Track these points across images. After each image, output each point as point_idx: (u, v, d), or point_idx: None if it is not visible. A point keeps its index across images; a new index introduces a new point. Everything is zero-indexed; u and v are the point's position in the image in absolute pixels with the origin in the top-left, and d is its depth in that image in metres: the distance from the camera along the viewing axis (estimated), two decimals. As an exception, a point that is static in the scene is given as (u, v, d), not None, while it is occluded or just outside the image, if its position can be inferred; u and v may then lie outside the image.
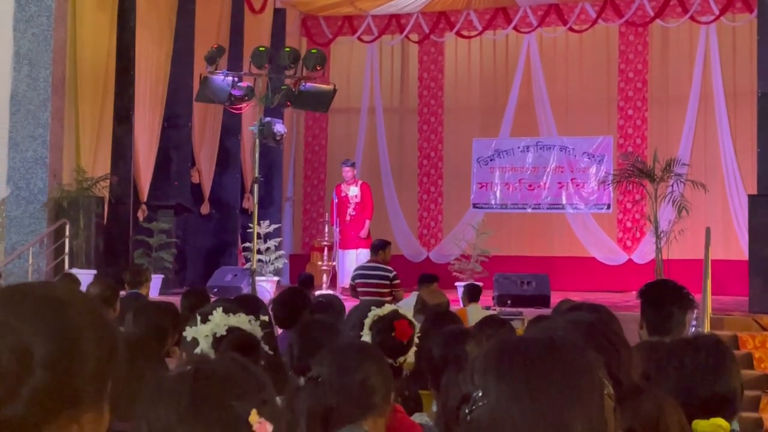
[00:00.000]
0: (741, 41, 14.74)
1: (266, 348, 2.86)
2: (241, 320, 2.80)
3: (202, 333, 2.74)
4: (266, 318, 4.06)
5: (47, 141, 11.07)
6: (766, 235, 10.07)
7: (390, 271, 10.30)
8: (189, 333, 2.75)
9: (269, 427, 1.33)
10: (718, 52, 15.03)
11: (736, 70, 14.83)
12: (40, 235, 10.93)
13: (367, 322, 3.02)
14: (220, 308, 2.85)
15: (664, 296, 4.03)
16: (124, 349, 1.34)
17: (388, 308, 3.03)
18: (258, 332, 2.81)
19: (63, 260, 10.96)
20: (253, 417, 1.32)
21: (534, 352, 1.36)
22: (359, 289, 10.06)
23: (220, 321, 2.78)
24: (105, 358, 1.30)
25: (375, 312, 3.02)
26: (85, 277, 9.54)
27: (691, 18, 15.13)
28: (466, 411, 1.35)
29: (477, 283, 11.79)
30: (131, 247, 12.24)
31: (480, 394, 1.34)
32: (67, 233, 11.00)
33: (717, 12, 14.92)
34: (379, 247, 10.69)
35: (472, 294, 9.24)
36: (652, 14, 15.37)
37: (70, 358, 1.25)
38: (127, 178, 12.22)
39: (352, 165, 14.15)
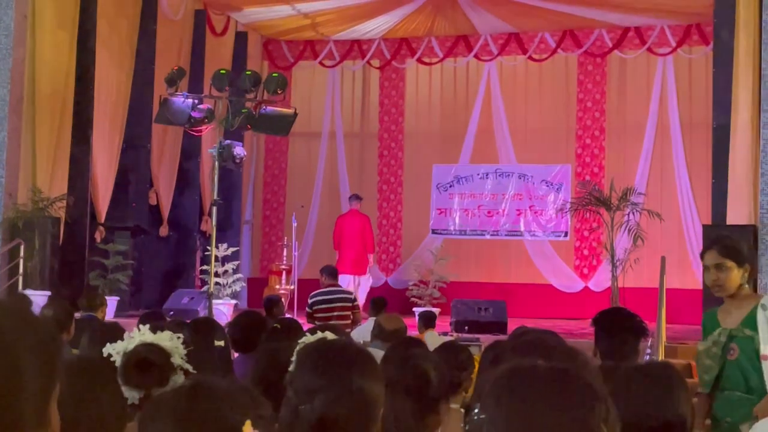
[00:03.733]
0: (697, 73, 14.98)
1: (184, 364, 2.76)
2: (162, 337, 2.75)
3: (115, 350, 2.69)
4: (222, 342, 4.05)
5: (3, 160, 10.96)
6: (719, 265, 10.18)
7: (351, 293, 10.32)
8: (106, 350, 2.70)
9: None
10: (674, 83, 15.25)
11: (692, 101, 15.05)
12: (-6, 256, 10.80)
13: (297, 349, 2.92)
14: (147, 326, 2.81)
15: (618, 324, 4.07)
16: (63, 368, 1.33)
17: (317, 336, 2.94)
18: (178, 350, 2.75)
19: (17, 281, 10.83)
20: (248, 427, 1.33)
21: (543, 382, 1.36)
22: (318, 315, 10.01)
23: (137, 337, 2.74)
24: (46, 379, 1.28)
25: (304, 339, 2.93)
26: (39, 298, 9.43)
27: (649, 49, 15.36)
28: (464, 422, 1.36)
29: (432, 309, 11.82)
30: (87, 269, 12.12)
31: (478, 409, 1.35)
32: (22, 254, 10.88)
33: (674, 44, 15.16)
34: (335, 273, 10.70)
35: (427, 321, 9.27)
36: (610, 45, 15.58)
37: (12, 385, 1.23)
38: (84, 198, 12.10)
39: None
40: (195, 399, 1.38)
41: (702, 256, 4.34)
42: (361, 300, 13.03)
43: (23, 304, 1.39)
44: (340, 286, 10.55)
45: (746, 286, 4.18)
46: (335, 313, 9.87)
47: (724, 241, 4.29)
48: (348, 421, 2.07)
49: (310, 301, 10.22)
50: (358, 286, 14.24)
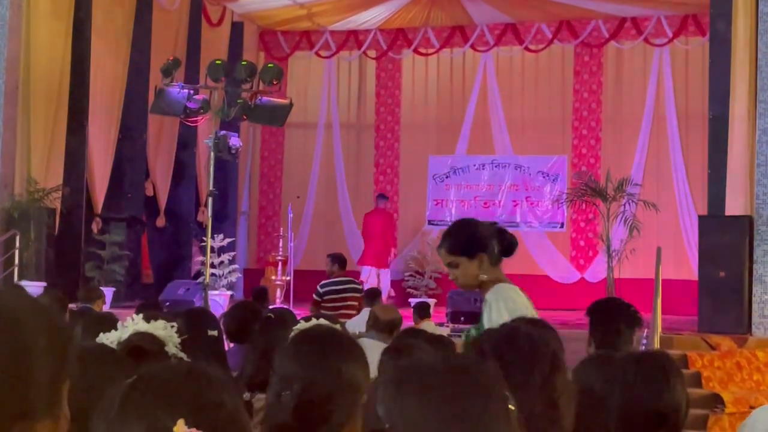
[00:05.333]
0: (693, 64, 14.97)
1: (179, 353, 2.75)
2: (156, 326, 2.74)
3: (109, 339, 2.69)
4: (215, 332, 4.04)
5: (-2, 150, 10.93)
6: (715, 256, 10.20)
7: (360, 284, 10.38)
8: (100, 339, 2.69)
9: None
10: (671, 74, 15.25)
11: (688, 92, 15.04)
12: (-10, 246, 10.78)
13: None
14: (140, 315, 2.80)
15: (612, 314, 4.07)
16: (74, 353, 1.31)
17: (311, 323, 2.93)
18: (172, 339, 2.74)
19: (12, 272, 10.81)
20: (179, 427, 1.25)
21: (435, 378, 1.34)
22: (328, 305, 9.98)
23: (130, 327, 2.73)
24: (57, 364, 1.28)
25: (298, 326, 2.91)
26: (35, 289, 9.42)
27: (645, 40, 15.34)
28: None
29: (427, 300, 11.83)
30: (82, 260, 12.10)
31: (387, 426, 1.32)
32: (17, 244, 10.85)
33: (670, 35, 15.15)
34: (345, 262, 10.72)
35: (422, 311, 9.28)
36: (607, 36, 15.56)
37: (22, 370, 1.23)
38: (80, 189, 12.08)
39: None
40: (127, 399, 1.30)
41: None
42: (384, 291, 13.39)
43: (22, 293, 1.38)
44: (348, 276, 10.58)
45: (485, 276, 3.86)
46: (347, 303, 9.90)
47: (450, 236, 3.93)
48: (326, 403, 2.08)
49: (321, 290, 10.15)
50: (378, 277, 14.69)
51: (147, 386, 1.31)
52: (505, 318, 3.62)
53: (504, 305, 3.74)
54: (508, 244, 3.97)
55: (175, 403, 1.28)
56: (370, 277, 14.54)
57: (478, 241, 3.86)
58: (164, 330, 2.74)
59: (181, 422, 1.26)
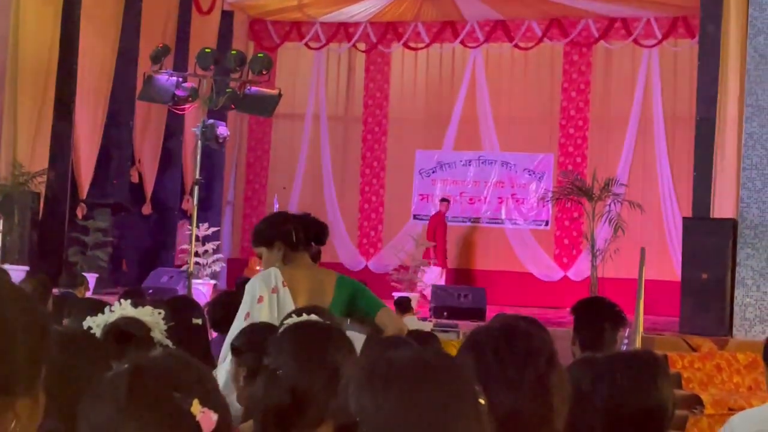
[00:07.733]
0: (682, 66, 15.01)
1: (164, 339, 2.75)
2: (143, 312, 2.75)
3: (96, 323, 2.69)
4: (199, 320, 4.04)
5: (-16, 133, 10.87)
6: (698, 257, 10.23)
7: None
8: (86, 323, 2.69)
9: (213, 416, 1.31)
10: (659, 75, 15.29)
11: (676, 94, 15.09)
12: (-27, 229, 10.72)
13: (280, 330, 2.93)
14: (128, 301, 2.80)
15: (597, 313, 4.08)
16: (54, 334, 1.32)
17: (303, 318, 2.94)
18: (158, 325, 2.74)
19: (-5, 255, 10.76)
20: (196, 407, 1.30)
21: (405, 372, 1.36)
22: None
23: (117, 311, 2.73)
24: (36, 343, 1.28)
25: (290, 320, 2.91)
26: (18, 273, 9.37)
27: (635, 41, 15.39)
28: None
29: (410, 294, 11.84)
30: (66, 245, 12.05)
31: (358, 419, 1.33)
32: (0, 228, 10.80)
33: (660, 36, 15.19)
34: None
35: (403, 306, 9.30)
36: (596, 35, 15.59)
37: (2, 346, 1.23)
38: (65, 174, 12.02)
39: None
40: (136, 382, 1.32)
41: None
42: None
43: (3, 276, 1.38)
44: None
45: (278, 264, 4.16)
46: None
47: (253, 230, 4.33)
48: (314, 392, 2.17)
49: None
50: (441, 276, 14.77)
51: (152, 372, 1.34)
52: (244, 308, 3.98)
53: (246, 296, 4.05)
54: (316, 232, 4.27)
55: (185, 386, 1.33)
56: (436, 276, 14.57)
57: (273, 231, 4.20)
58: (151, 316, 2.74)
59: (196, 402, 1.31)
